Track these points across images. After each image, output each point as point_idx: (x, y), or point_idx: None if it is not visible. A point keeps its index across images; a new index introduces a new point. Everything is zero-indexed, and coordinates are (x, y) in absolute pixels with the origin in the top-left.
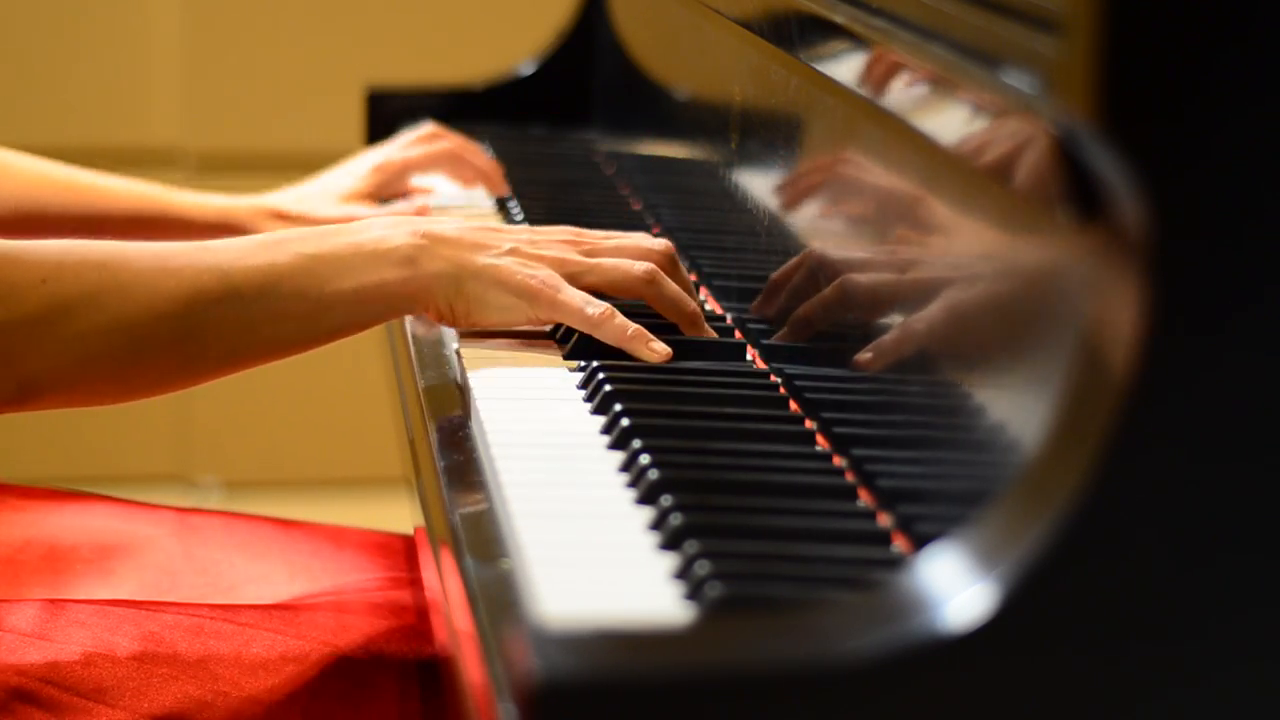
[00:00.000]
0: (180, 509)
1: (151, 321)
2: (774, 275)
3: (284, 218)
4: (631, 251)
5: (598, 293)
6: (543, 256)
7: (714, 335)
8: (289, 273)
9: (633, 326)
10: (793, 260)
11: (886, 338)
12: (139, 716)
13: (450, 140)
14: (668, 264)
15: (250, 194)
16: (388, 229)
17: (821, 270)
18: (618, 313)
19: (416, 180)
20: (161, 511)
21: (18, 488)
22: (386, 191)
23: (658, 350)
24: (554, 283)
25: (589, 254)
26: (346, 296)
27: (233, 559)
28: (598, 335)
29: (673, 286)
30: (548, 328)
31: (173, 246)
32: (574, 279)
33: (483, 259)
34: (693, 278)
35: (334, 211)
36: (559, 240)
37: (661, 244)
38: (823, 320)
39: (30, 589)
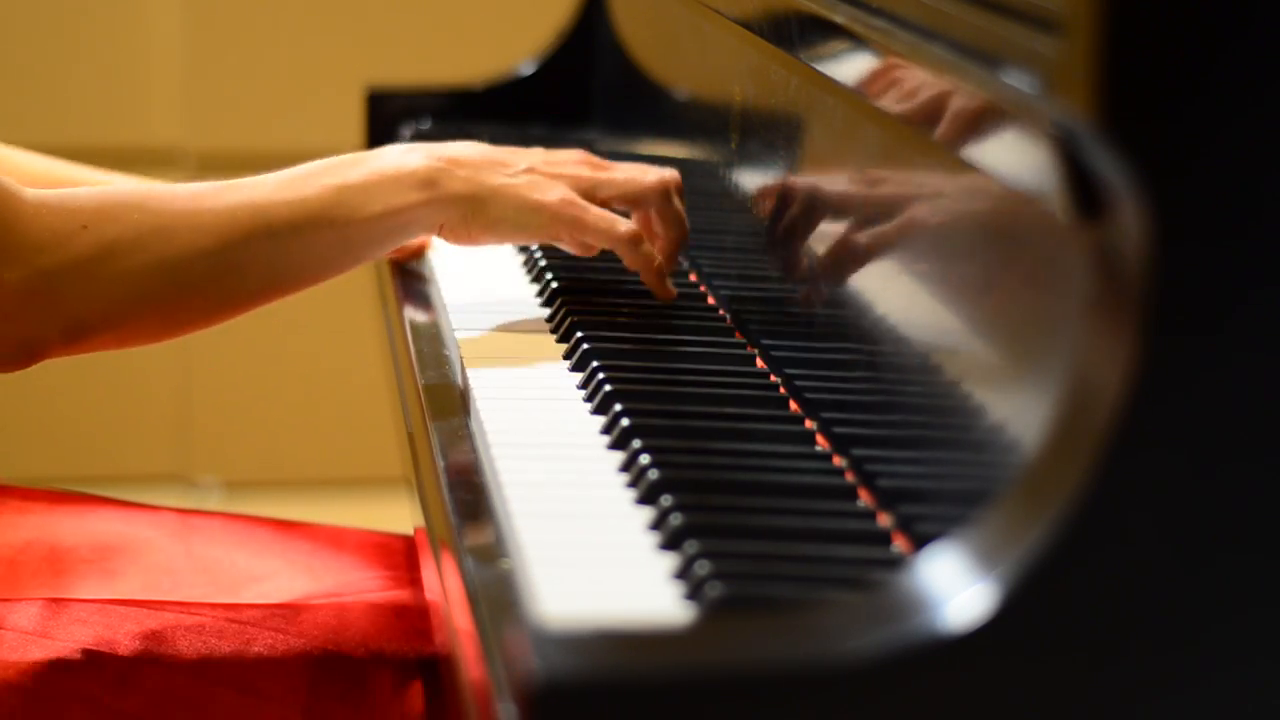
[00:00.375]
0: (181, 510)
1: (192, 258)
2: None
3: None
4: (642, 171)
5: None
6: (560, 175)
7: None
8: (318, 203)
9: (659, 258)
10: (792, 263)
11: (887, 338)
12: (136, 716)
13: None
14: (676, 186)
15: None
16: (405, 154)
17: (821, 270)
18: (645, 239)
19: None
20: (162, 513)
21: (19, 489)
22: None
23: (670, 290)
24: (574, 200)
25: (602, 169)
26: (373, 221)
27: (234, 559)
28: (622, 253)
29: (679, 204)
30: (545, 317)
31: (206, 186)
32: (589, 193)
33: (500, 178)
34: (692, 277)
35: None
36: (574, 160)
37: (668, 170)
38: (825, 319)
39: (32, 590)
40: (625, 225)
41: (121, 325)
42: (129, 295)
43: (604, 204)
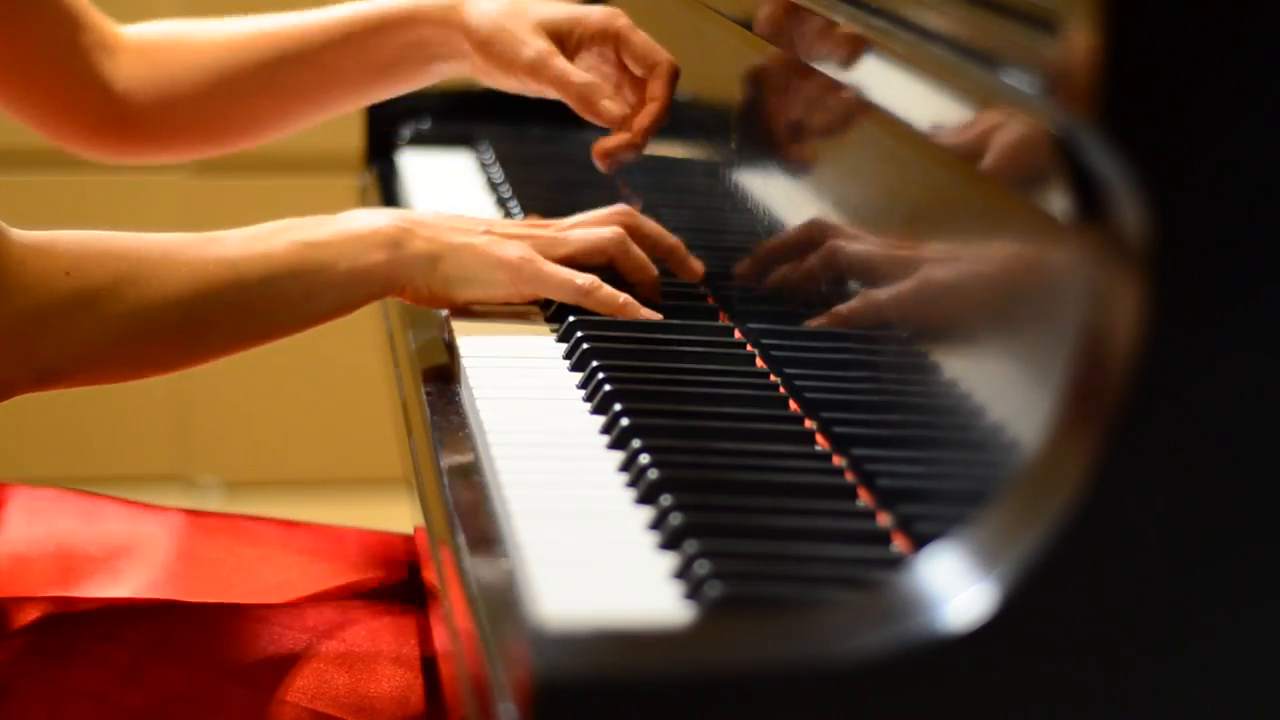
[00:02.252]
0: (186, 510)
1: (164, 309)
2: (777, 272)
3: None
4: (594, 222)
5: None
6: (514, 234)
7: (698, 270)
8: (286, 260)
9: (623, 295)
10: (793, 263)
11: (886, 338)
12: (142, 711)
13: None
14: (628, 220)
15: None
16: (372, 216)
17: (821, 270)
18: (603, 284)
19: None
20: (168, 512)
21: (27, 488)
22: None
23: (650, 313)
24: (533, 258)
25: (558, 231)
26: (339, 279)
27: (238, 559)
28: (587, 305)
29: (639, 252)
30: (545, 317)
31: (183, 238)
32: (546, 251)
33: (460, 238)
34: None
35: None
36: (527, 223)
37: (617, 206)
38: (824, 319)
39: (38, 589)
40: (582, 278)
41: (90, 369)
42: (102, 341)
43: (563, 262)
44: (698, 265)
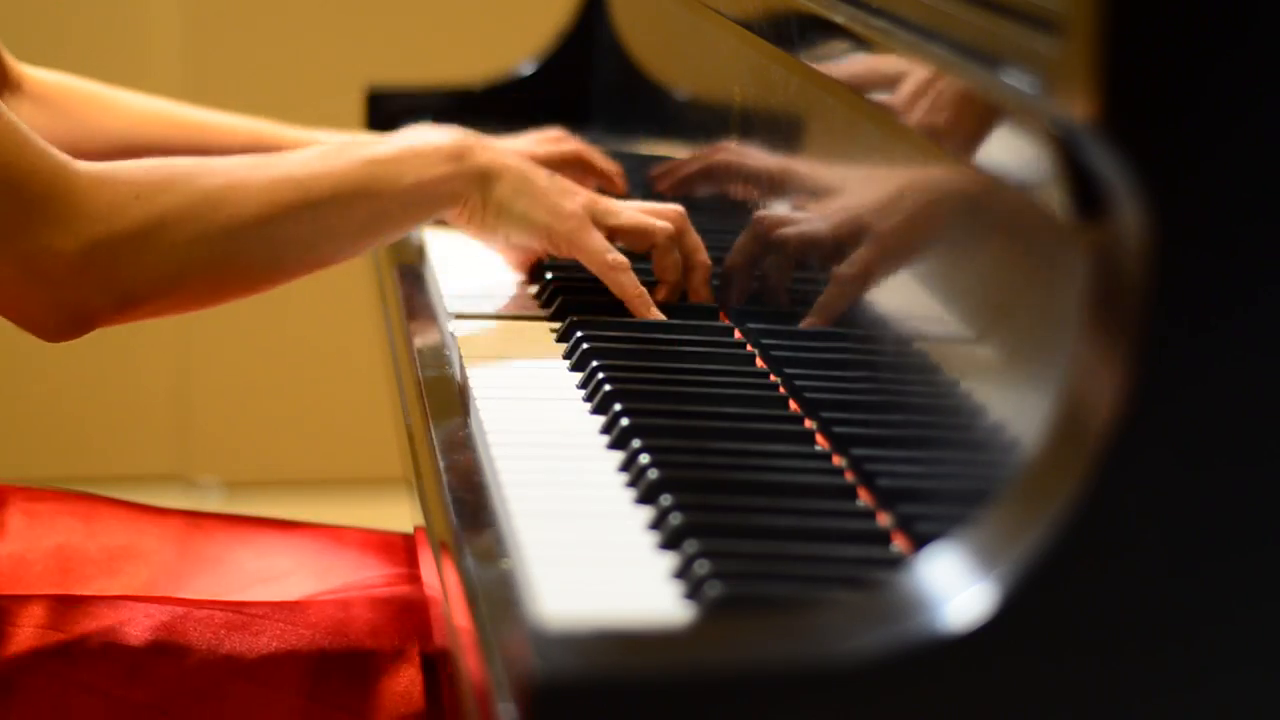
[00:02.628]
0: (186, 511)
1: (238, 229)
2: (780, 273)
3: None
4: (651, 211)
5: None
6: (578, 191)
7: (709, 297)
8: (355, 176)
9: (641, 288)
10: (793, 264)
11: (886, 338)
12: (146, 706)
13: (575, 143)
14: (681, 225)
15: None
16: (435, 131)
17: (821, 270)
18: (630, 267)
19: None
20: (168, 515)
21: (27, 489)
22: None
23: (656, 314)
24: (582, 216)
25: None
26: (403, 194)
27: (239, 559)
28: (606, 280)
29: (675, 257)
30: (545, 317)
31: (249, 159)
32: (599, 217)
33: (521, 166)
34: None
35: None
36: (587, 189)
37: (675, 206)
38: (825, 319)
39: (39, 590)
40: (613, 255)
41: (170, 294)
42: (179, 265)
43: (609, 233)
44: (708, 293)
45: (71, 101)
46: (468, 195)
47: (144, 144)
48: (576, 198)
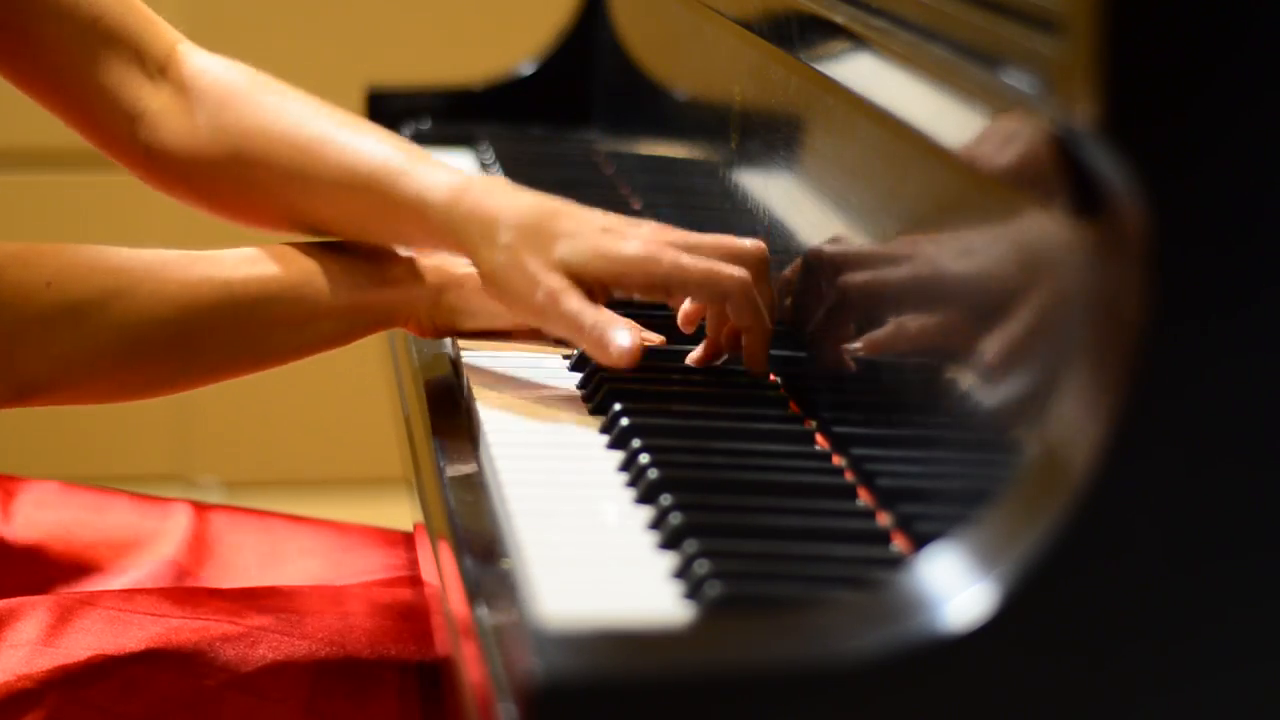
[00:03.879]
0: (194, 502)
1: (151, 327)
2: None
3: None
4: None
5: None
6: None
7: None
8: (285, 284)
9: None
10: (793, 263)
11: (886, 338)
12: (145, 712)
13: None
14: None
15: None
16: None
17: (821, 270)
18: (614, 321)
19: None
20: (174, 505)
21: (35, 481)
22: None
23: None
24: (552, 293)
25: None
26: (337, 310)
27: (243, 552)
28: (584, 347)
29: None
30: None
31: (178, 254)
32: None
33: (463, 269)
34: None
35: None
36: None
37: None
38: (825, 319)
39: (48, 580)
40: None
41: (73, 386)
42: (85, 357)
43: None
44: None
45: (229, 101)
46: (412, 313)
47: (251, 155)
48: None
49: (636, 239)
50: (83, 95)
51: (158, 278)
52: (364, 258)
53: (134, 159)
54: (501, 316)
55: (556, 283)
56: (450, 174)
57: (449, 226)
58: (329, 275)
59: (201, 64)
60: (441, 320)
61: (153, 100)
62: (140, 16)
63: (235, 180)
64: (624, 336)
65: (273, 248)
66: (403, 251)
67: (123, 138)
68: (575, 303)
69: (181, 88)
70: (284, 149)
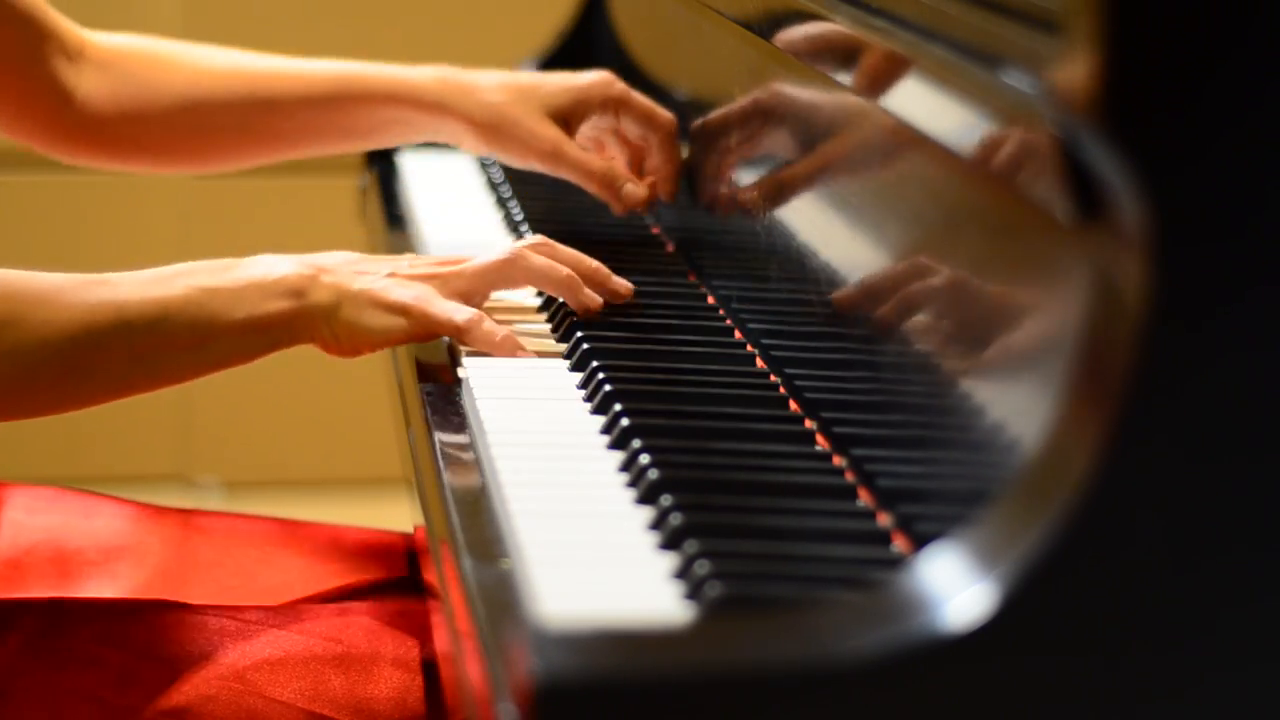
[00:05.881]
0: (184, 510)
1: (43, 352)
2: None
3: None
4: (500, 250)
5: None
6: (418, 275)
7: (625, 289)
8: (180, 305)
9: (501, 331)
10: (793, 263)
11: (887, 337)
12: (143, 714)
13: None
14: (537, 248)
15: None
16: (276, 263)
17: (821, 270)
18: (486, 318)
19: None
20: (166, 512)
21: (26, 486)
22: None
23: (527, 353)
24: (426, 295)
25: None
26: (235, 328)
27: (236, 559)
28: (466, 341)
29: (538, 260)
30: (545, 318)
31: (73, 278)
32: (446, 285)
33: (360, 283)
34: (691, 278)
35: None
36: (436, 261)
37: (530, 238)
38: (825, 318)
39: (35, 589)
40: (461, 315)
41: None
42: None
43: (462, 295)
44: (622, 286)
45: (134, 63)
46: (314, 329)
47: (206, 97)
48: (414, 283)
49: (592, 73)
50: (18, 86)
51: (51, 303)
52: (258, 275)
53: (74, 142)
54: (394, 330)
55: (555, 132)
56: (417, 67)
57: (441, 98)
58: (222, 295)
59: (112, 40)
60: (343, 336)
61: (81, 81)
62: (48, 9)
63: (191, 127)
64: (635, 186)
65: (169, 269)
66: (302, 269)
67: (63, 122)
68: (578, 151)
69: (104, 64)
70: (238, 82)
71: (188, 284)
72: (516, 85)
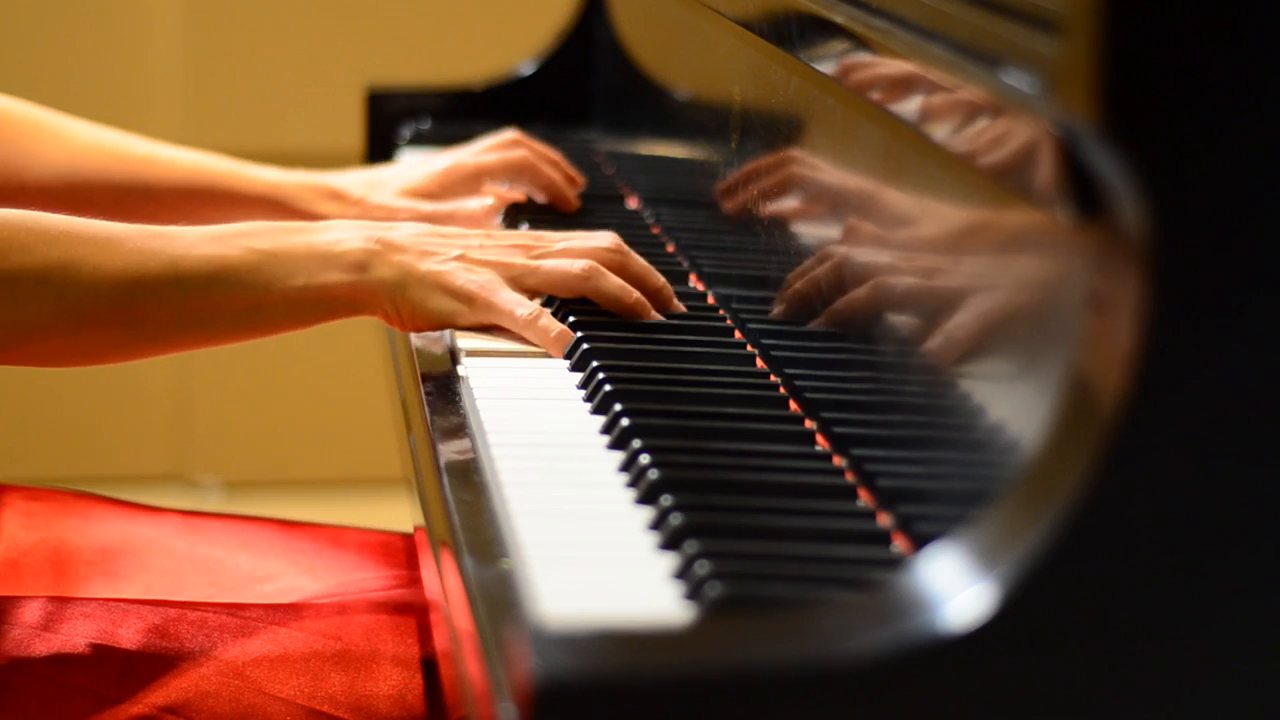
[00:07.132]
0: (184, 511)
1: (93, 300)
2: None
3: (339, 199)
4: (577, 251)
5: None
6: (488, 261)
7: (679, 308)
8: (237, 266)
9: (556, 328)
10: (793, 263)
11: (887, 337)
12: (142, 709)
13: (528, 148)
14: (612, 258)
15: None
16: (345, 232)
17: (821, 270)
18: (546, 313)
19: (489, 186)
20: (165, 514)
21: (24, 489)
22: (453, 193)
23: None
24: (492, 286)
25: (538, 257)
26: (291, 295)
27: (236, 560)
28: (527, 336)
29: (613, 282)
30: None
31: (128, 228)
32: (516, 281)
33: (428, 265)
34: (692, 278)
35: (393, 202)
36: (508, 245)
37: (607, 239)
38: (825, 318)
39: (35, 591)
40: (523, 309)
41: (19, 348)
42: (25, 326)
43: (531, 291)
44: (679, 309)
45: (12, 130)
46: (375, 304)
47: (85, 176)
48: (483, 269)
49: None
50: None
51: (106, 250)
52: (322, 244)
53: None
54: (458, 314)
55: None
56: (281, 172)
57: (311, 205)
58: (281, 260)
59: None
60: (406, 313)
61: None
62: None
63: (67, 203)
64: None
65: (234, 227)
66: (369, 244)
67: None
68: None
69: None
70: (118, 165)
71: (248, 245)
72: (374, 181)
